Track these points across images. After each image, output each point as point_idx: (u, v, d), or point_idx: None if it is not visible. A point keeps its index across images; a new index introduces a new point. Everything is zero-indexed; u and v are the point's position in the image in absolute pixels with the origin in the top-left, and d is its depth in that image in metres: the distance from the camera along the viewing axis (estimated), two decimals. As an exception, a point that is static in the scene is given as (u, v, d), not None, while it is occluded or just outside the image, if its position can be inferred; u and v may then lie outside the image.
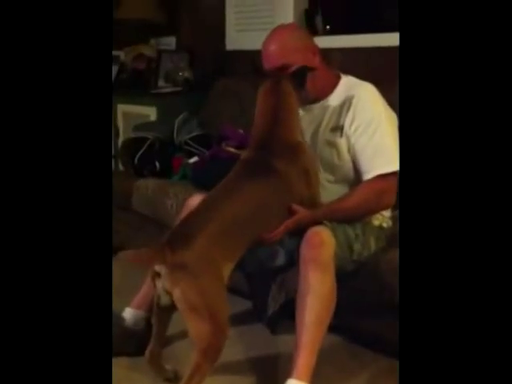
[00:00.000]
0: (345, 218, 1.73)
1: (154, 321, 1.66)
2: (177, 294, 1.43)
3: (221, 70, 3.28)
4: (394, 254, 1.75)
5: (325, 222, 1.68)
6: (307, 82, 1.77)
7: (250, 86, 2.79)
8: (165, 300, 1.50)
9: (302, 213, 1.64)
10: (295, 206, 1.64)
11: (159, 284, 1.47)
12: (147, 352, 1.66)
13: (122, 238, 2.73)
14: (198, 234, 1.46)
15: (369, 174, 1.75)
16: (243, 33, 3.20)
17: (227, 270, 1.52)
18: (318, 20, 2.93)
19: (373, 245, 1.78)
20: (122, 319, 1.87)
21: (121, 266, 2.63)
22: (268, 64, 1.81)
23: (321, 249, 1.59)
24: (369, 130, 1.75)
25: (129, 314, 1.88)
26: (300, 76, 1.75)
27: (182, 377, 1.58)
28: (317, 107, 1.86)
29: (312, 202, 1.69)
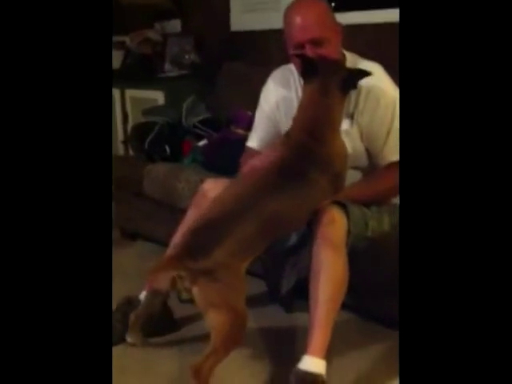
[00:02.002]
0: (365, 202, 1.73)
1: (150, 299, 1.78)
2: (196, 292, 1.46)
3: (227, 52, 3.27)
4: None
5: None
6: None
7: (256, 68, 2.79)
8: (185, 296, 1.55)
9: (325, 205, 1.62)
10: (322, 204, 1.62)
11: (180, 282, 1.50)
12: (132, 315, 1.78)
13: (134, 224, 2.77)
14: (220, 243, 1.45)
15: (383, 161, 1.75)
16: (248, 13, 3.19)
17: (246, 264, 1.54)
18: (323, -3, 2.90)
19: (386, 222, 1.78)
20: (139, 302, 1.91)
21: (137, 250, 2.71)
22: (303, 35, 1.70)
23: (332, 227, 1.59)
24: (380, 117, 1.73)
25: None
26: (352, 82, 1.67)
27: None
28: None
29: (336, 193, 1.68)
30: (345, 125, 1.77)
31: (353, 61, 1.82)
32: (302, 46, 1.72)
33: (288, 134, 1.70)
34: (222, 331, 1.47)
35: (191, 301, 1.52)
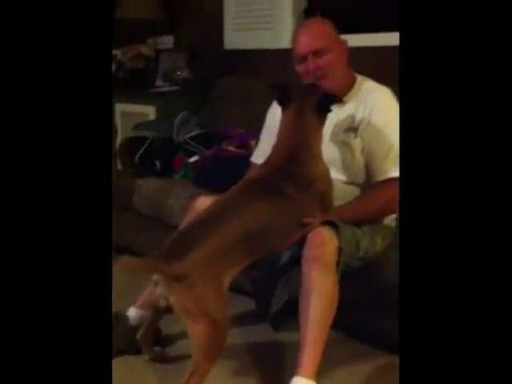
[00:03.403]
0: (355, 222, 1.75)
1: (150, 314, 1.77)
2: (172, 300, 1.48)
3: (219, 70, 3.29)
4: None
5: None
6: (327, 79, 1.79)
7: (250, 85, 2.81)
8: (163, 303, 1.56)
9: (314, 224, 1.65)
10: (308, 220, 1.65)
11: (158, 290, 1.53)
12: (139, 334, 1.78)
13: (123, 239, 2.74)
14: (194, 248, 1.48)
15: (381, 177, 1.78)
16: (242, 32, 3.21)
17: (228, 277, 1.54)
18: (317, 19, 2.94)
19: (379, 243, 1.80)
20: (125, 318, 1.88)
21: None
22: (304, 47, 1.82)
23: (322, 248, 1.60)
24: (384, 134, 1.78)
25: (133, 313, 1.89)
26: (326, 105, 1.72)
27: (168, 359, 1.85)
28: (333, 107, 1.82)
29: (325, 212, 1.70)
30: (347, 137, 1.84)
31: (362, 83, 1.90)
32: (305, 58, 1.84)
33: (267, 160, 1.75)
34: (200, 342, 1.47)
35: (169, 310, 1.54)
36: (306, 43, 1.83)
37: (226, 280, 1.53)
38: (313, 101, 1.71)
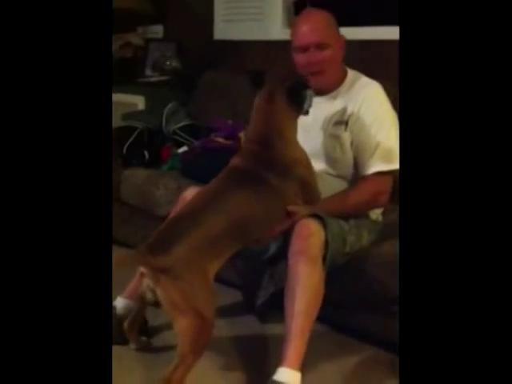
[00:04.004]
0: (340, 215, 1.76)
1: (137, 304, 1.77)
2: (159, 293, 1.49)
3: (208, 60, 3.27)
4: (384, 248, 1.79)
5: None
6: (325, 75, 1.80)
7: (238, 77, 2.80)
8: (150, 296, 1.56)
9: (300, 213, 1.66)
10: (293, 208, 1.66)
11: (144, 282, 1.54)
12: (125, 324, 1.79)
13: (110, 228, 2.74)
14: (180, 241, 1.49)
15: (367, 170, 1.79)
16: (231, 23, 3.20)
17: (214, 268, 1.55)
18: (307, 12, 2.93)
19: (365, 238, 1.82)
20: (113, 308, 1.88)
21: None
22: (308, 38, 1.81)
23: (310, 240, 1.61)
24: (372, 128, 1.79)
25: (120, 303, 1.90)
26: (297, 91, 1.72)
27: (154, 349, 1.85)
28: (323, 100, 1.86)
29: (310, 203, 1.71)
30: (338, 130, 1.84)
31: (354, 77, 1.90)
32: (306, 49, 1.82)
33: (242, 146, 1.78)
34: (187, 336, 1.48)
35: (156, 303, 1.54)
36: (309, 34, 1.81)
37: (211, 271, 1.54)
38: (284, 86, 1.71)
